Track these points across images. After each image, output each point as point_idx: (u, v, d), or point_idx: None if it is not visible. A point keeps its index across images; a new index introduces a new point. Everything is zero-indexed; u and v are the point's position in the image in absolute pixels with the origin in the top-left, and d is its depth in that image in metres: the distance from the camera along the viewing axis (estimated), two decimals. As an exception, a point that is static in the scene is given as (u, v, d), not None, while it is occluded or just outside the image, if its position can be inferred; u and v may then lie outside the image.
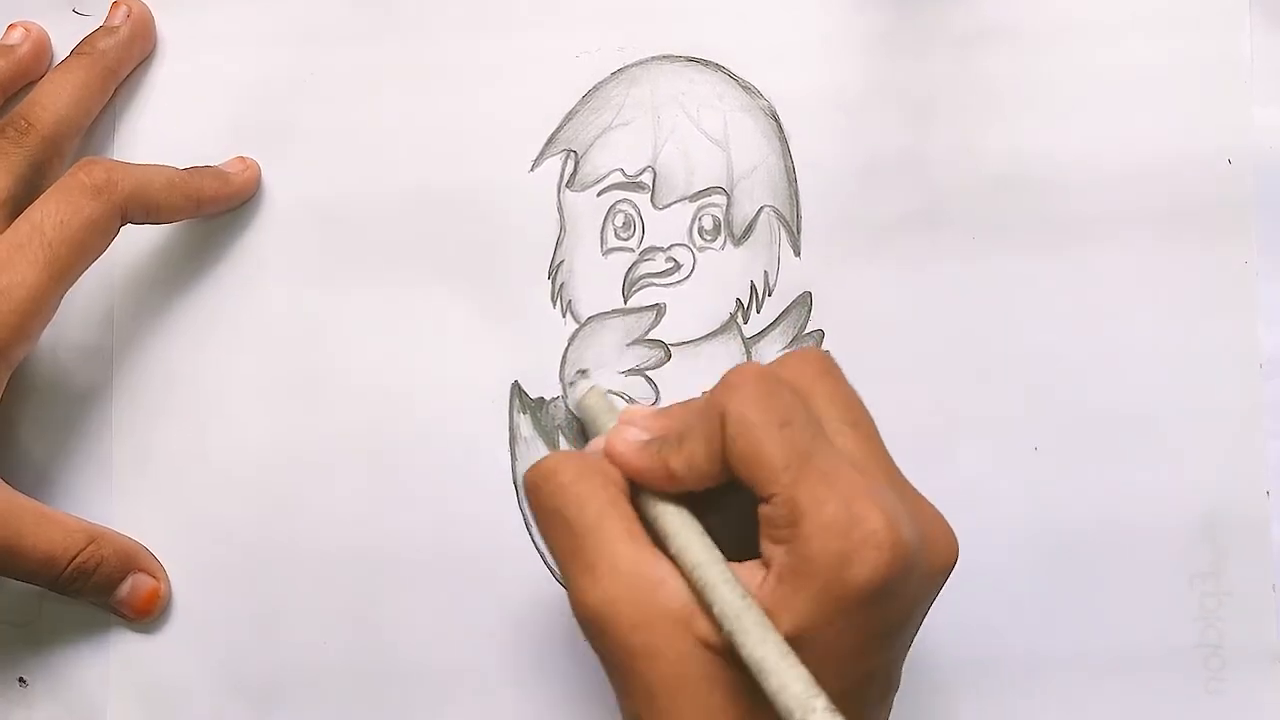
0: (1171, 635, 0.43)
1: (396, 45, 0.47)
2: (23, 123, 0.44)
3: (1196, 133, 0.44)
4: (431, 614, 0.45)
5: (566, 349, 0.45)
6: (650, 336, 0.45)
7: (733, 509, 0.36)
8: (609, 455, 0.36)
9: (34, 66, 0.47)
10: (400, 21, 0.47)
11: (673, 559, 0.34)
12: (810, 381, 0.36)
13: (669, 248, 0.45)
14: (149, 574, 0.46)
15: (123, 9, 0.47)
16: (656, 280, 0.45)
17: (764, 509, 0.33)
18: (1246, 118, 0.44)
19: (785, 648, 0.32)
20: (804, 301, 0.45)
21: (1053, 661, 0.43)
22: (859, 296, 0.45)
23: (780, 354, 0.45)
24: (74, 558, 0.43)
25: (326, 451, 0.46)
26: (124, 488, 0.47)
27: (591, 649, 0.35)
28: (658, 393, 0.45)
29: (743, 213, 0.45)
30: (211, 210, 0.46)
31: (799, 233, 0.45)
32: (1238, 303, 0.44)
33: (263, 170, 0.47)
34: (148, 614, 0.46)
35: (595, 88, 0.46)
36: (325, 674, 0.45)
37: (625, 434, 0.37)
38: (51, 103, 0.45)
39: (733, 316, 0.45)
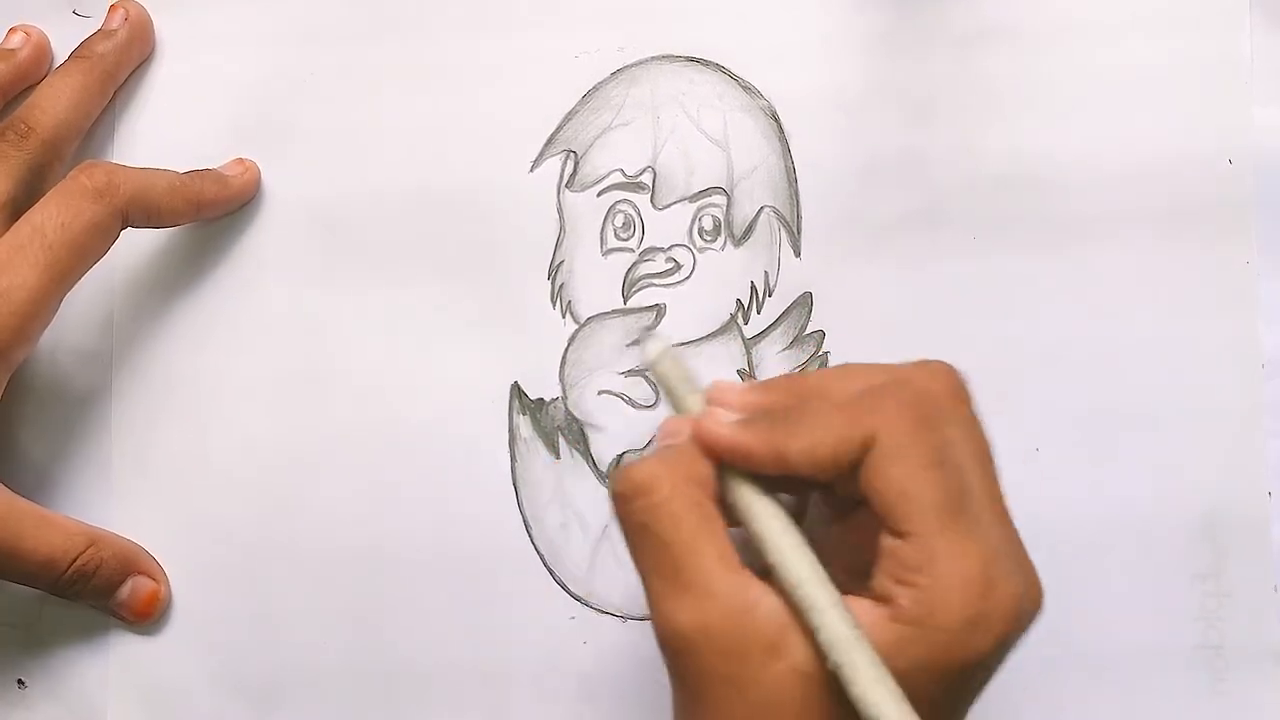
0: (1173, 636, 0.43)
1: (396, 45, 0.47)
2: (23, 126, 0.44)
3: (1196, 133, 0.44)
4: (431, 614, 0.45)
5: (566, 350, 0.45)
6: (650, 337, 0.45)
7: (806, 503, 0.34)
8: (704, 437, 0.34)
9: (34, 70, 0.47)
10: (400, 21, 0.47)
11: (767, 565, 0.33)
12: (944, 400, 0.33)
13: (669, 248, 0.45)
14: (149, 576, 0.46)
15: (120, 12, 0.47)
16: (656, 281, 0.45)
17: (891, 543, 0.32)
18: (1246, 118, 0.44)
19: (898, 691, 0.30)
20: (804, 302, 0.45)
21: (1053, 662, 0.43)
22: (859, 297, 0.44)
23: (781, 354, 0.45)
24: (74, 560, 0.43)
25: (326, 452, 0.46)
26: (123, 489, 0.47)
27: (669, 670, 0.33)
28: (657, 394, 0.45)
29: (743, 213, 0.45)
30: (211, 214, 0.46)
31: (799, 233, 0.45)
32: (1238, 302, 0.43)
33: (262, 171, 0.47)
34: (148, 616, 0.46)
35: (595, 88, 0.46)
36: (325, 674, 0.45)
37: (719, 415, 0.34)
38: (51, 106, 0.45)
39: (733, 317, 0.45)
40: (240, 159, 0.47)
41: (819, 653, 0.31)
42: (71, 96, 0.45)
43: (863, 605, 0.32)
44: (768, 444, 0.33)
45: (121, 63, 0.47)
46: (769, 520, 0.33)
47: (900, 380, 0.33)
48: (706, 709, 0.32)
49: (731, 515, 0.34)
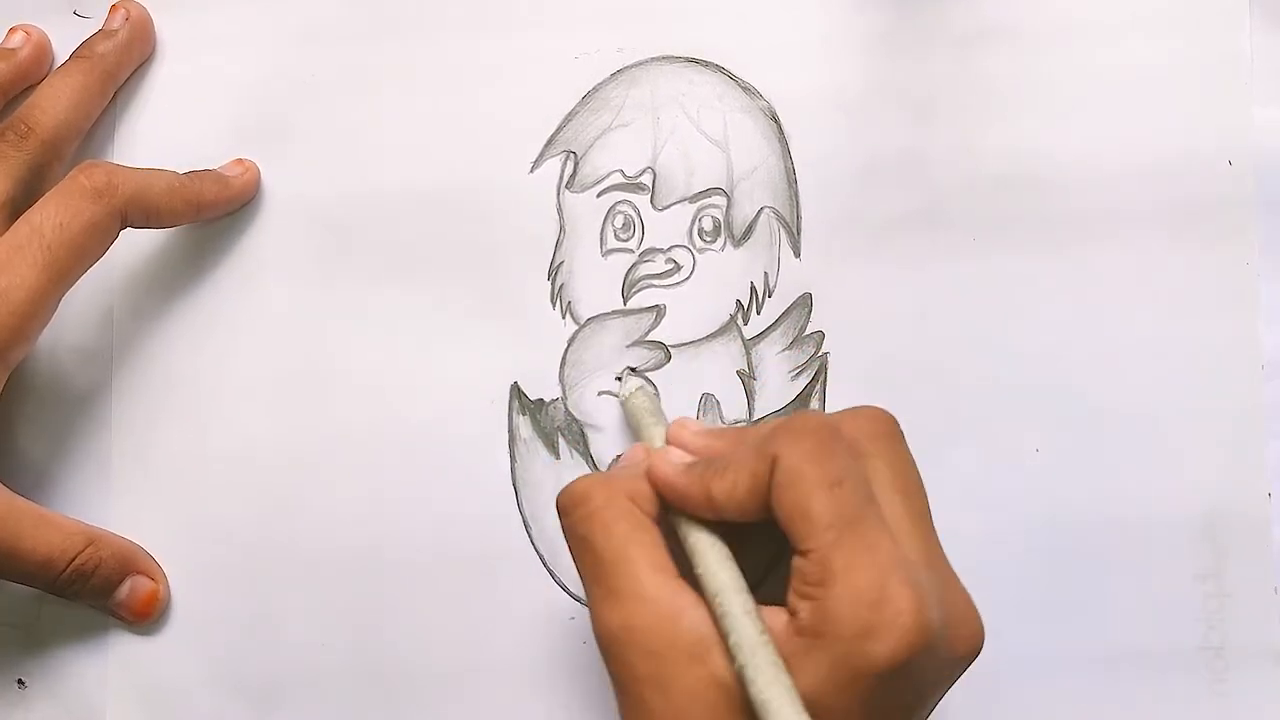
0: (1173, 636, 0.43)
1: (396, 45, 0.47)
2: (23, 126, 0.44)
3: (1196, 133, 0.44)
4: (431, 614, 0.45)
5: (566, 350, 0.45)
6: (650, 338, 0.45)
7: (764, 552, 0.36)
8: (651, 476, 0.37)
9: (34, 70, 0.47)
10: (400, 22, 0.47)
11: (697, 583, 0.34)
12: (870, 440, 0.35)
13: (669, 249, 0.45)
14: (148, 576, 0.46)
15: (121, 12, 0.47)
16: (656, 281, 0.45)
17: (798, 561, 0.33)
18: (1246, 118, 0.44)
19: (795, 695, 0.32)
20: (804, 303, 0.45)
21: (1054, 662, 0.43)
22: (859, 297, 0.44)
23: (780, 355, 0.45)
24: (72, 560, 0.43)
25: (326, 452, 0.46)
26: (123, 489, 0.47)
27: (607, 670, 0.35)
28: (658, 394, 0.45)
29: (742, 214, 0.45)
30: (211, 214, 0.46)
31: (799, 234, 0.45)
32: (1238, 303, 0.43)
33: (262, 171, 0.47)
34: (147, 616, 0.46)
35: (595, 89, 0.46)
36: (325, 674, 0.45)
37: (670, 455, 0.37)
38: (51, 106, 0.45)
39: (733, 318, 0.45)
40: (240, 159, 0.47)
41: (732, 658, 0.33)
42: (72, 97, 0.45)
43: (776, 618, 0.33)
44: (697, 487, 0.36)
45: (122, 63, 0.47)
46: (701, 540, 0.35)
47: (793, 418, 0.35)
48: (634, 707, 0.34)
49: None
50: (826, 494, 0.33)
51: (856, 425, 0.36)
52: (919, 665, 0.32)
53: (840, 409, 0.37)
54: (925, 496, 0.36)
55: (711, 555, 0.35)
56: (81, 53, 0.46)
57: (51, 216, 0.41)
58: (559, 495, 0.37)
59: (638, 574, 0.34)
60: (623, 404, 0.44)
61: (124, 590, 0.45)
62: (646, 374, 0.45)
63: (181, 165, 0.45)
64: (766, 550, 0.36)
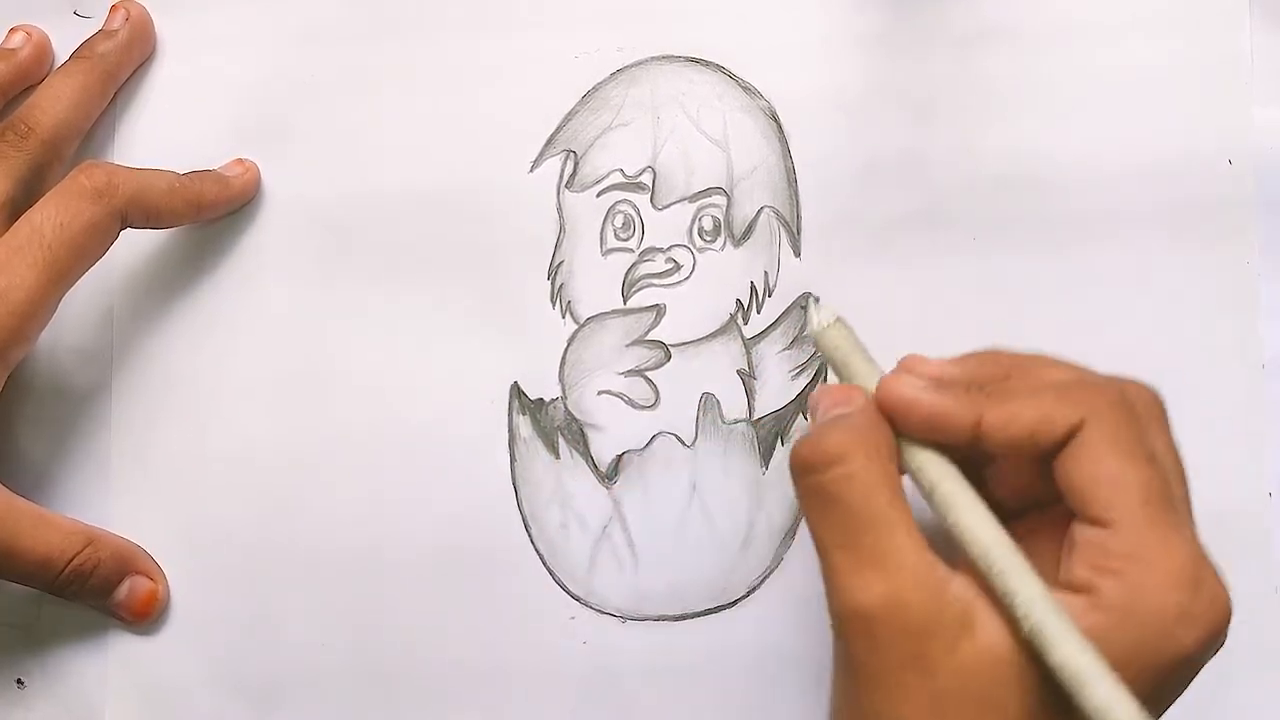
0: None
1: (396, 45, 0.47)
2: (23, 126, 0.44)
3: (1196, 133, 0.44)
4: (431, 614, 0.45)
5: (566, 350, 0.45)
6: (650, 337, 0.45)
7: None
8: (897, 404, 0.33)
9: (35, 70, 0.47)
10: (400, 22, 0.47)
11: (950, 535, 0.32)
12: (1151, 408, 0.33)
13: (669, 248, 0.45)
14: (147, 576, 0.45)
15: (121, 12, 0.47)
16: (656, 281, 0.45)
17: (1093, 532, 0.31)
18: (1246, 118, 0.44)
19: (1102, 659, 0.29)
20: (804, 302, 0.45)
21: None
22: (859, 297, 0.44)
23: (780, 355, 0.45)
24: (71, 560, 0.43)
25: (326, 452, 0.46)
26: (122, 489, 0.47)
27: (842, 653, 0.32)
28: (657, 393, 0.45)
29: (742, 213, 0.45)
30: (212, 215, 0.46)
31: (799, 233, 0.45)
32: (1239, 303, 0.43)
33: (262, 171, 0.47)
34: (146, 616, 0.46)
35: (595, 88, 0.46)
36: (324, 674, 0.45)
37: (911, 381, 0.33)
38: (51, 106, 0.45)
39: (733, 317, 0.45)
40: (240, 159, 0.47)
41: (1013, 630, 0.30)
42: (72, 97, 0.45)
43: (1058, 593, 0.31)
44: (967, 409, 0.32)
45: (123, 63, 0.47)
46: (954, 488, 0.32)
47: (1110, 380, 0.33)
48: (884, 694, 0.31)
49: None
50: (1142, 467, 0.31)
51: (1143, 393, 0.33)
52: (1209, 655, 0.31)
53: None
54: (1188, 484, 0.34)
55: (974, 510, 0.32)
56: (82, 53, 0.46)
57: (52, 217, 0.41)
58: (802, 447, 0.33)
59: (901, 544, 0.31)
60: (817, 338, 0.37)
61: (123, 590, 0.45)
62: (646, 373, 0.45)
63: (181, 165, 0.46)
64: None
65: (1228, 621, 0.31)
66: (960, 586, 0.31)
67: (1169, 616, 0.30)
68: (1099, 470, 0.31)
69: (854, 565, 0.31)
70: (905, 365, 0.35)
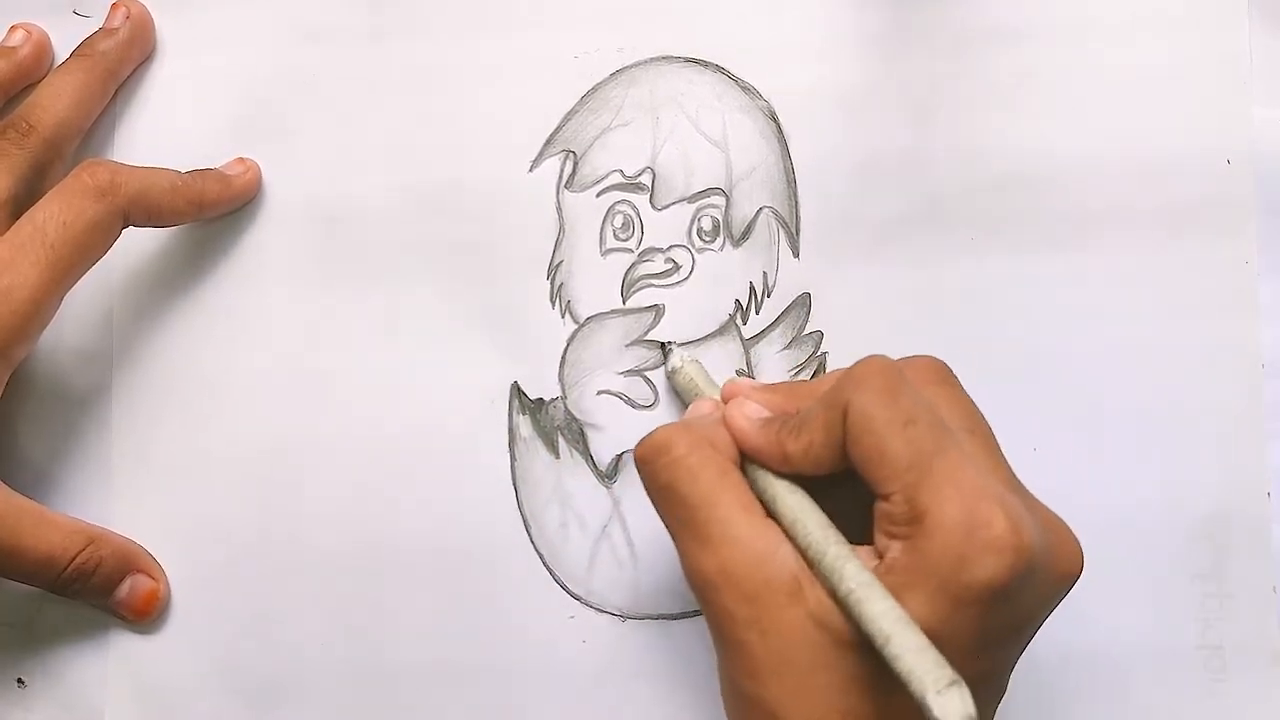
0: (1172, 636, 0.43)
1: (396, 45, 0.47)
2: (24, 124, 0.44)
3: (1196, 133, 0.44)
4: (431, 614, 0.45)
5: (565, 350, 0.45)
6: (649, 337, 0.45)
7: (843, 498, 0.35)
8: (730, 427, 0.37)
9: (35, 68, 0.47)
10: (400, 21, 0.47)
11: (786, 531, 0.35)
12: (928, 386, 0.36)
13: (668, 249, 0.45)
14: (148, 575, 0.46)
15: (122, 10, 0.47)
16: (655, 281, 0.45)
17: (882, 505, 0.33)
18: (1246, 118, 0.44)
19: (910, 621, 0.31)
20: (803, 302, 0.45)
21: (1053, 661, 0.43)
22: (858, 298, 0.44)
23: (779, 355, 0.45)
24: (73, 559, 0.43)
25: (326, 451, 0.46)
26: (123, 488, 0.47)
27: (706, 619, 0.36)
28: (656, 394, 0.45)
29: (741, 214, 0.45)
30: (213, 213, 0.46)
31: (798, 234, 0.45)
32: (1238, 302, 0.43)
33: (263, 170, 0.47)
34: (146, 615, 0.46)
35: (594, 88, 0.46)
36: (324, 673, 0.45)
37: (745, 409, 0.37)
38: (52, 104, 0.45)
39: (732, 318, 0.45)
40: (241, 158, 0.47)
41: (832, 596, 0.33)
42: (73, 95, 0.45)
43: (865, 560, 0.33)
44: (774, 445, 0.36)
45: (123, 61, 0.47)
46: (783, 492, 0.36)
47: (861, 362, 0.35)
48: (732, 651, 0.34)
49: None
50: (901, 433, 0.33)
51: (909, 366, 0.36)
52: (1021, 587, 0.32)
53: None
54: (992, 432, 0.36)
55: (793, 499, 0.35)
56: (83, 51, 0.46)
57: (55, 215, 0.41)
58: (639, 446, 0.37)
59: (728, 516, 0.35)
60: (671, 376, 0.44)
61: (124, 589, 0.45)
62: (645, 373, 0.45)
63: (182, 164, 0.45)
64: (842, 507, 0.36)
65: (1020, 550, 0.32)
66: (787, 554, 0.34)
67: (950, 563, 0.32)
68: (867, 450, 0.33)
69: (689, 542, 0.35)
70: (732, 392, 0.39)
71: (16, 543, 0.42)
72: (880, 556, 0.33)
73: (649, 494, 0.37)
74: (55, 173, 0.45)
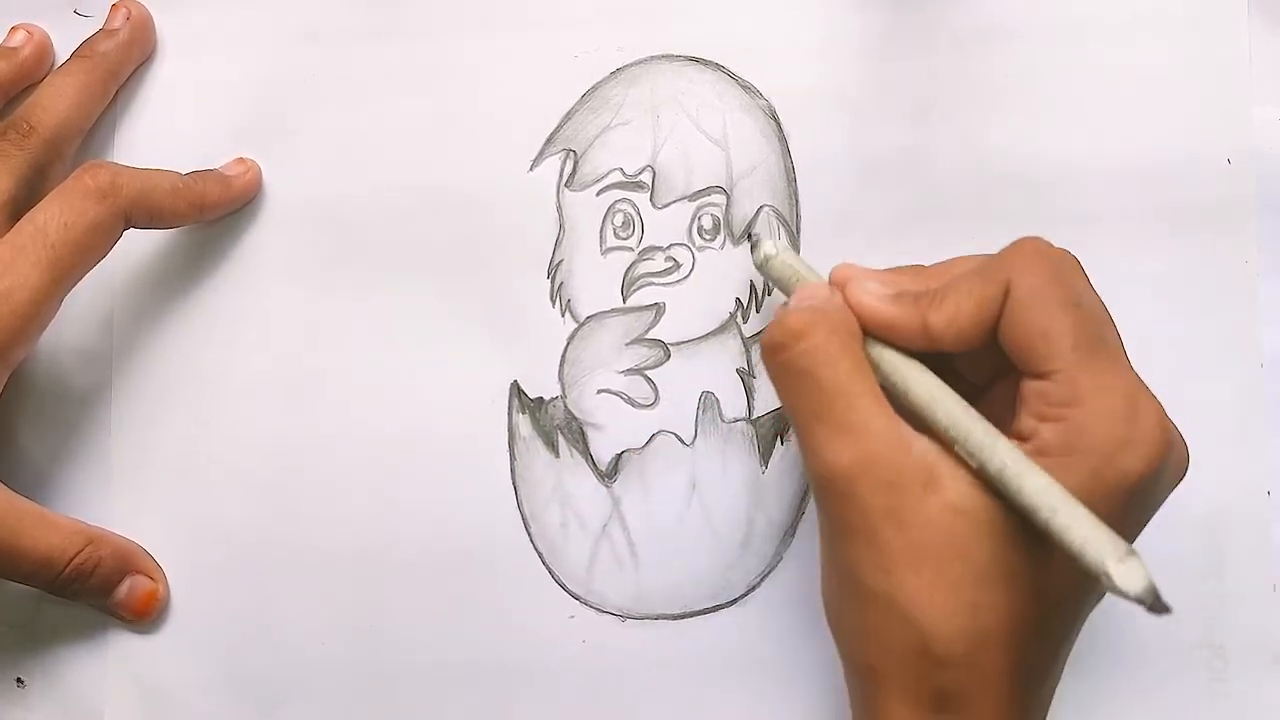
0: (1173, 635, 0.43)
1: (396, 45, 0.47)
2: (25, 125, 0.44)
3: (1196, 133, 0.44)
4: (431, 614, 0.45)
5: (565, 348, 0.45)
6: (649, 336, 0.45)
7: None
8: (856, 307, 0.36)
9: (36, 69, 0.47)
10: (400, 21, 0.47)
11: (922, 413, 0.34)
12: (1069, 259, 0.36)
13: (668, 247, 0.45)
14: (147, 575, 0.45)
15: (122, 11, 0.47)
16: (656, 279, 0.45)
17: (1035, 385, 0.33)
18: (1246, 118, 0.44)
19: (1064, 490, 0.31)
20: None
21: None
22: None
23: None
24: (71, 559, 0.43)
25: (326, 451, 0.46)
26: (123, 489, 0.47)
27: (825, 514, 0.35)
28: (657, 392, 0.45)
29: (742, 212, 0.45)
30: (214, 215, 0.46)
31: (799, 232, 0.45)
32: (1238, 302, 0.43)
33: (263, 171, 0.47)
34: (145, 616, 0.46)
35: (594, 87, 0.46)
36: (324, 674, 0.45)
37: (868, 285, 0.37)
38: (53, 105, 0.45)
39: (732, 316, 0.45)
40: (241, 159, 0.47)
41: (975, 484, 0.33)
42: (74, 96, 0.45)
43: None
44: (912, 316, 0.35)
45: (124, 62, 0.47)
46: (911, 370, 0.35)
47: (1023, 241, 0.35)
48: (865, 544, 0.34)
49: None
50: (1070, 314, 0.33)
51: (1057, 249, 0.36)
52: (1161, 477, 0.33)
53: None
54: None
55: (927, 379, 0.35)
56: (83, 52, 0.46)
57: (56, 216, 0.41)
58: (768, 332, 0.36)
59: (867, 407, 0.34)
60: (764, 266, 0.41)
61: (123, 590, 0.45)
62: (645, 372, 0.45)
63: (182, 165, 0.45)
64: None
65: (1169, 444, 0.33)
66: (924, 446, 0.34)
67: (1109, 448, 0.32)
68: (1030, 325, 0.33)
69: (825, 432, 0.34)
70: (845, 275, 0.37)
71: (15, 543, 0.42)
72: (1024, 439, 0.33)
73: (777, 382, 0.36)
74: (56, 174, 0.45)
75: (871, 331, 0.36)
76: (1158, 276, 0.44)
